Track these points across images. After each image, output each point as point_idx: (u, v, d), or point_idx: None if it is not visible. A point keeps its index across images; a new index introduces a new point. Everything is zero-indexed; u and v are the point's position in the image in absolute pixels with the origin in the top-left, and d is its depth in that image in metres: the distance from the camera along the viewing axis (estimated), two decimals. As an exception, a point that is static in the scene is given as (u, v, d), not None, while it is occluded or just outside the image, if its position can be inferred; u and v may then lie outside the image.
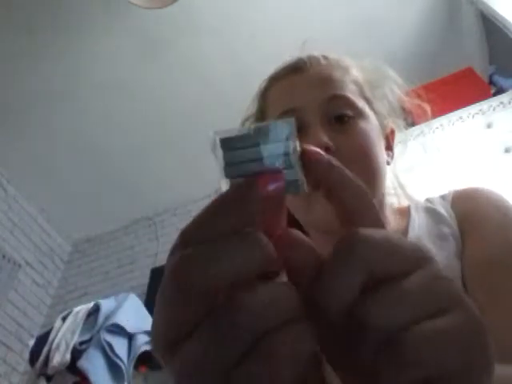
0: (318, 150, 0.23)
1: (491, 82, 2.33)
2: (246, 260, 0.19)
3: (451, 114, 2.00)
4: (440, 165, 1.75)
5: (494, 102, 1.99)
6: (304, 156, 0.23)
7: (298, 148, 0.22)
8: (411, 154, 0.70)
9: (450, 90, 2.01)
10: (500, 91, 2.14)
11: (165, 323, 0.20)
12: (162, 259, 2.94)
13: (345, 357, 0.21)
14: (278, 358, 0.18)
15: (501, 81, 2.25)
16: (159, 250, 3.02)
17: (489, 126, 1.92)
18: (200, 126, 2.82)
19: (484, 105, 1.99)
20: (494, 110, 1.96)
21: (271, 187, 0.21)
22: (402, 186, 0.66)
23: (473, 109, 2.00)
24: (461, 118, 2.00)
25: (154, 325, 0.20)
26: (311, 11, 2.41)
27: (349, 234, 0.21)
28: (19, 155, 2.86)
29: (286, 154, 0.21)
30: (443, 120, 1.98)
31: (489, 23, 2.38)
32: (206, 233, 0.20)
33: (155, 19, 2.34)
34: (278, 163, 0.21)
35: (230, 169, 0.21)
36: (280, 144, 0.21)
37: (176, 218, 3.17)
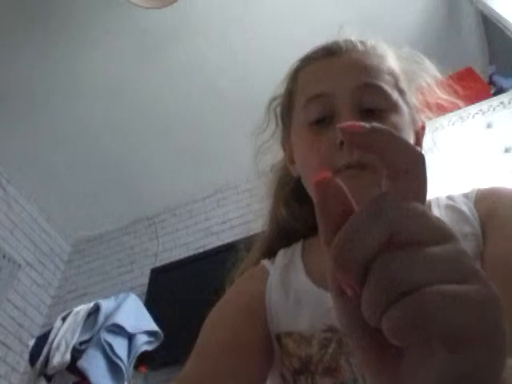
0: (353, 123, 0.24)
1: (491, 82, 2.33)
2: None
3: (451, 113, 1.99)
4: (440, 165, 1.75)
5: (494, 102, 1.99)
6: (345, 135, 0.24)
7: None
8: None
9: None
10: (500, 91, 2.14)
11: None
12: (161, 259, 2.94)
13: (360, 319, 0.22)
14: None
15: (501, 81, 2.25)
16: (159, 250, 3.02)
17: (489, 125, 1.92)
18: (200, 126, 2.82)
19: (484, 105, 1.99)
20: (494, 110, 1.96)
21: None
22: None
23: (473, 109, 1.99)
24: (461, 118, 2.00)
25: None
26: (310, 12, 2.41)
27: (382, 194, 0.21)
28: (19, 155, 2.86)
29: None
30: (443, 120, 1.98)
31: (489, 23, 2.38)
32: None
33: (155, 19, 2.34)
34: None
35: None
36: None
37: (176, 218, 3.17)
